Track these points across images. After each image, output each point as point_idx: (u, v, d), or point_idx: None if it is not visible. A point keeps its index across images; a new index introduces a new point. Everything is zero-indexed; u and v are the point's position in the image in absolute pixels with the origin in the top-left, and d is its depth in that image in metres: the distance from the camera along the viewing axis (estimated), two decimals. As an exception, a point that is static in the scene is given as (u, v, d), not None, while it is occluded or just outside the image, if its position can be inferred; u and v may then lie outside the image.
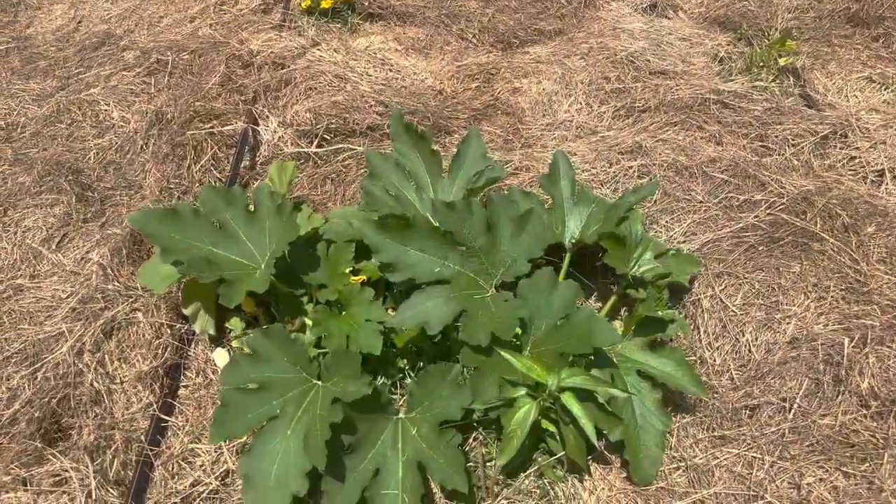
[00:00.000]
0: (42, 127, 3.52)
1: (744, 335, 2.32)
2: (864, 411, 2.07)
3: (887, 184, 2.86)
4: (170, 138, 3.15)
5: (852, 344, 2.18)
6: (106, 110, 3.54)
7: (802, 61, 3.70)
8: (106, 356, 2.33)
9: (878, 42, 3.90)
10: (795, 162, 2.97)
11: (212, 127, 3.20)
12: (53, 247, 2.82)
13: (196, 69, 3.73)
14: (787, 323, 2.31)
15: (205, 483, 2.06)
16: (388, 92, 3.39)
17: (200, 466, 2.10)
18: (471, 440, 2.12)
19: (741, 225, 2.62)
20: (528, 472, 2.03)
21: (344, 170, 3.01)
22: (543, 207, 2.44)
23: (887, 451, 1.98)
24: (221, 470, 2.09)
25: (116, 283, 2.55)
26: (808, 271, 2.44)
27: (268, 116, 3.26)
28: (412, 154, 2.40)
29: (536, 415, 1.82)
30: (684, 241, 2.63)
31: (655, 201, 2.76)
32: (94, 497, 1.97)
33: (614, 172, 2.92)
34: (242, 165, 3.07)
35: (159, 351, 2.34)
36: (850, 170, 2.97)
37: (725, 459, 2.04)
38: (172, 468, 2.09)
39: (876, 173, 2.92)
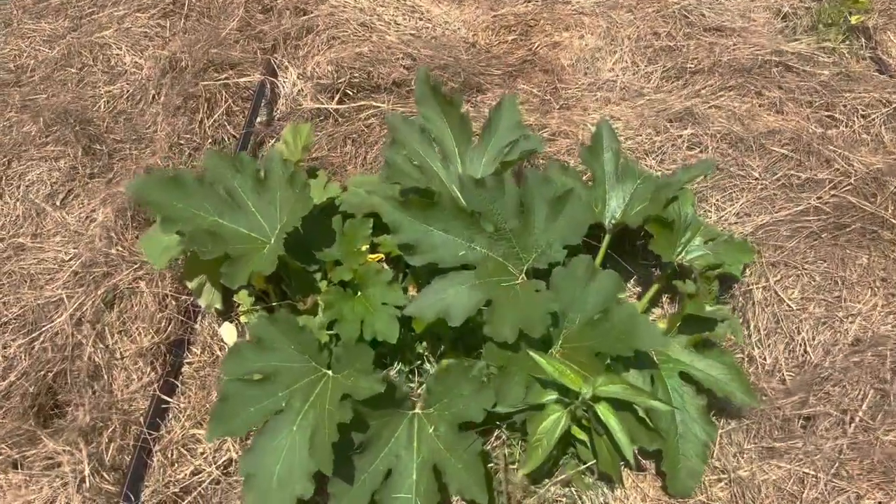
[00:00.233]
0: (52, 71, 3.33)
1: (799, 333, 2.09)
2: (934, 428, 1.85)
3: (968, 164, 2.57)
4: (182, 89, 2.94)
5: (924, 351, 1.95)
6: (118, 55, 3.32)
7: (875, 20, 3.33)
8: (106, 328, 2.18)
9: (962, -1, 3.51)
10: (865, 136, 2.67)
11: (227, 78, 2.98)
12: (58, 203, 2.66)
13: (213, 12, 3.49)
14: (851, 322, 2.07)
15: (206, 472, 1.93)
16: (416, 43, 3.12)
17: (202, 454, 1.96)
18: (492, 439, 1.95)
19: (802, 207, 2.36)
20: (554, 478, 1.85)
21: (366, 129, 2.79)
22: (584, 185, 2.21)
23: (959, 475, 1.77)
24: (224, 459, 1.95)
25: (120, 248, 2.39)
26: (877, 264, 2.18)
27: (287, 67, 3.03)
28: (439, 119, 2.16)
29: (567, 424, 1.63)
30: (736, 223, 2.38)
31: (706, 176, 2.50)
32: (87, 484, 1.84)
33: (661, 142, 2.65)
34: (258, 121, 2.86)
35: (162, 324, 2.19)
36: (926, 146, 2.67)
37: (773, 474, 1.84)
38: (172, 455, 1.95)
39: (956, 151, 2.62)
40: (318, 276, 2.14)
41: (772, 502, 1.80)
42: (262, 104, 2.92)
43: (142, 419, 2.00)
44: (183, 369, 2.17)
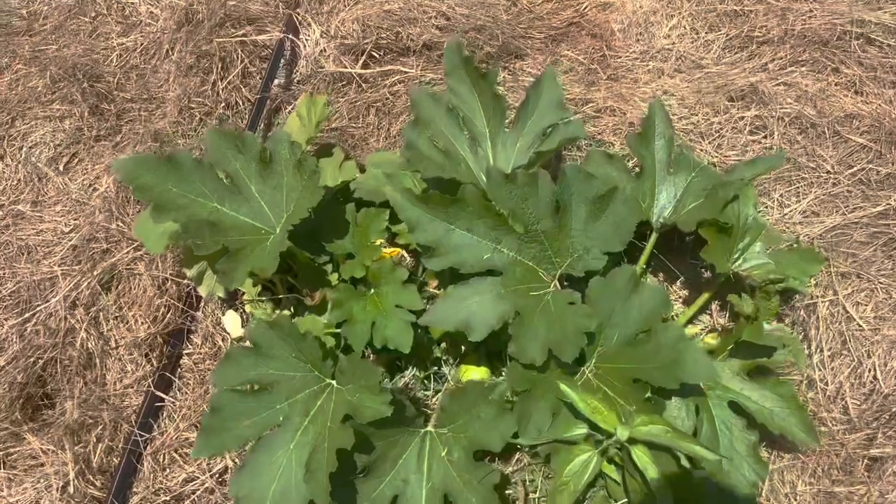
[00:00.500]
0: (65, 19, 3.11)
1: (869, 357, 1.84)
2: None
3: None
4: (196, 46, 2.71)
5: None
6: (133, 4, 3.09)
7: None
8: (101, 314, 2.02)
9: None
10: (957, 124, 2.34)
11: (244, 34, 2.74)
12: (60, 168, 2.49)
13: (235, -41, 3.22)
14: (931, 349, 1.81)
15: (199, 480, 1.78)
16: (451, 0, 2.83)
17: (195, 460, 1.81)
18: (513, 463, 1.76)
19: (881, 208, 2.07)
20: (579, 513, 1.66)
21: (392, 98, 2.54)
22: (629, 175, 1.95)
23: None
24: (219, 467, 1.80)
25: (120, 224, 2.22)
26: (965, 281, 1.90)
27: (310, 24, 2.77)
28: (469, 96, 1.91)
29: (598, 468, 1.42)
30: (802, 224, 2.10)
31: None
32: (72, 488, 1.71)
33: (719, 123, 2.36)
34: (275, 83, 2.63)
35: (160, 312, 2.02)
36: None
37: (830, 523, 1.63)
38: (163, 459, 1.80)
39: None
40: (328, 267, 1.94)
41: (826, 556, 1.59)
42: (281, 65, 2.69)
43: (133, 418, 1.85)
44: (182, 361, 2.01)
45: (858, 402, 1.81)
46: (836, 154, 2.22)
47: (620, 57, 2.68)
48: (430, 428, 1.67)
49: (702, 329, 1.98)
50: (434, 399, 1.90)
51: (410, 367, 1.93)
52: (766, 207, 2.15)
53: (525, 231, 1.69)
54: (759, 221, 1.87)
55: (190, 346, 2.03)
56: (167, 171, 1.72)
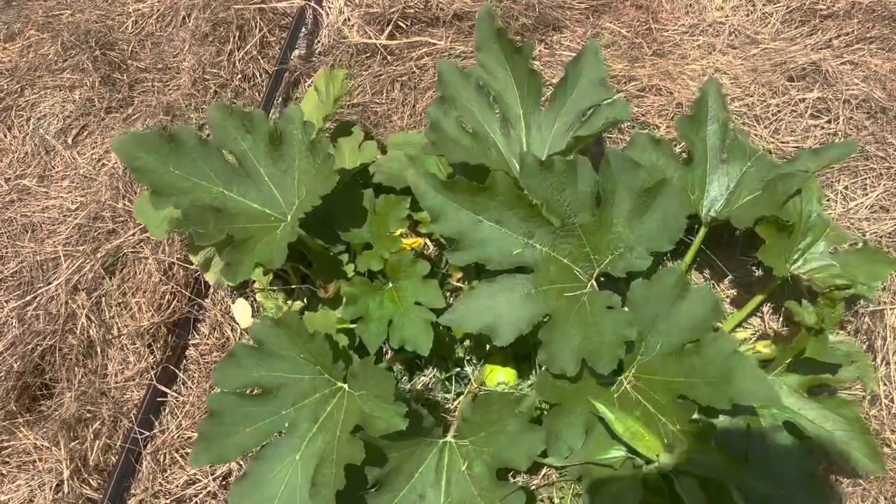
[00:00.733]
0: (81, -19, 2.98)
1: (942, 373, 1.64)
2: None
3: None
4: (213, 13, 2.55)
5: None
6: (151, -33, 2.94)
7: None
8: (103, 299, 1.90)
9: None
10: None
11: (263, 1, 2.57)
12: (69, 141, 2.37)
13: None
14: None
15: (202, 484, 1.66)
16: (485, -34, 2.63)
17: (198, 462, 1.68)
18: (539, 477, 1.60)
19: (958, 205, 1.86)
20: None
21: (418, 71, 2.36)
22: (678, 162, 1.76)
23: None
24: (223, 470, 1.68)
25: (127, 203, 2.09)
26: None
27: (333, -10, 2.60)
28: (501, 72, 1.72)
29: (638, 499, 1.26)
30: (869, 220, 1.89)
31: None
32: (66, 488, 1.60)
33: (777, 106, 2.14)
34: (295, 55, 2.46)
35: (166, 299, 1.89)
36: None
37: (895, 561, 1.45)
38: (164, 460, 1.69)
39: None
40: (344, 257, 1.79)
41: None
42: (302, 35, 2.52)
43: (134, 413, 1.73)
44: (187, 353, 1.88)
45: (928, 423, 1.62)
46: (908, 142, 2.00)
47: (668, 30, 2.46)
48: (450, 438, 1.53)
49: (752, 334, 1.80)
50: (455, 402, 1.75)
51: (431, 367, 1.78)
52: (829, 201, 1.95)
53: (561, 224, 1.51)
54: (823, 218, 1.67)
55: (196, 337, 1.91)
56: (169, 151, 1.57)
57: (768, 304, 1.85)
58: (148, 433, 1.70)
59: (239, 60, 2.45)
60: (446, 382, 1.77)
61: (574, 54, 1.71)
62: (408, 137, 1.93)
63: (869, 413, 1.66)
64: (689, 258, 1.76)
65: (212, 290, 1.98)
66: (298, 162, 1.61)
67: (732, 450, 1.37)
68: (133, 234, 2.01)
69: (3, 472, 1.66)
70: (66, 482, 1.60)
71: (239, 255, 1.48)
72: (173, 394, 1.78)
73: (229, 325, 1.93)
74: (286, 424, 1.45)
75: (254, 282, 1.92)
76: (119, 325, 1.87)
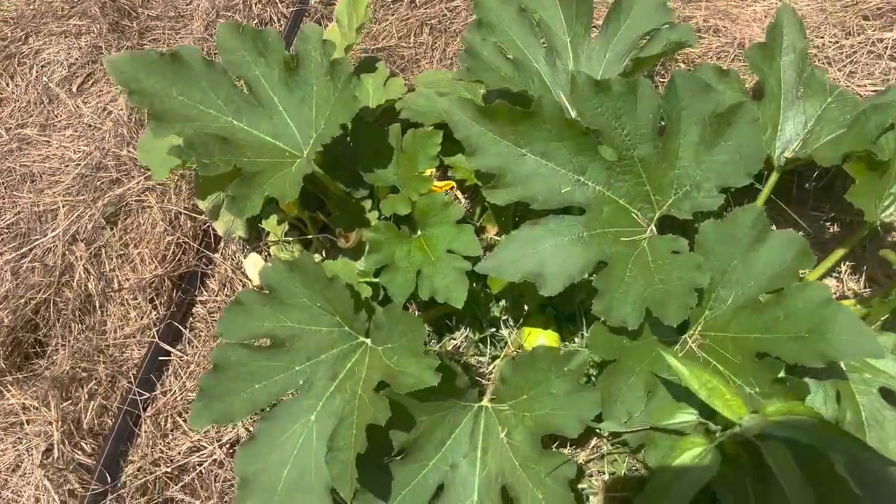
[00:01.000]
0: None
1: None
2: None
3: None
4: (228, -45, 2.37)
5: None
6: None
7: None
8: (103, 250, 1.73)
9: None
10: None
11: (282, -58, 2.39)
12: (73, 90, 2.20)
13: None
14: None
15: (207, 451, 1.48)
16: None
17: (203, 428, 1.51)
18: (588, 449, 1.40)
19: None
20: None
21: (449, 14, 2.16)
22: (749, 100, 1.54)
23: None
24: (230, 436, 1.50)
25: (132, 150, 1.92)
26: None
27: (358, -69, 2.40)
28: (548, -6, 1.53)
29: (715, 467, 1.05)
30: (962, 169, 1.66)
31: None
32: (56, 453, 1.43)
33: (851, 47, 1.92)
34: (316, -3, 2.28)
35: (171, 251, 1.72)
36: None
37: None
38: (165, 424, 1.51)
39: None
40: (367, 204, 1.60)
41: None
42: (323, -24, 2.33)
43: (133, 373, 1.56)
44: (194, 310, 1.71)
45: None
46: None
47: (724, -30, 2.23)
48: (486, 402, 1.34)
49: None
50: (491, 367, 1.56)
51: (463, 328, 1.59)
52: (914, 148, 1.72)
53: (617, 159, 1.31)
54: (918, 159, 1.44)
55: (204, 293, 1.73)
56: (172, 73, 1.39)
57: (846, 264, 1.63)
58: (148, 394, 1.53)
59: (255, 3, 2.27)
60: (480, 345, 1.58)
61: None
62: (438, 76, 1.74)
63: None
64: (760, 206, 1.55)
65: (222, 243, 1.80)
66: (317, 88, 1.42)
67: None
68: (138, 183, 1.84)
69: (-11, 434, 1.50)
70: (56, 446, 1.44)
71: (248, 189, 1.30)
72: (177, 353, 1.61)
73: (240, 281, 1.75)
74: (300, 382, 1.27)
75: (267, 234, 1.74)
76: (120, 277, 1.70)
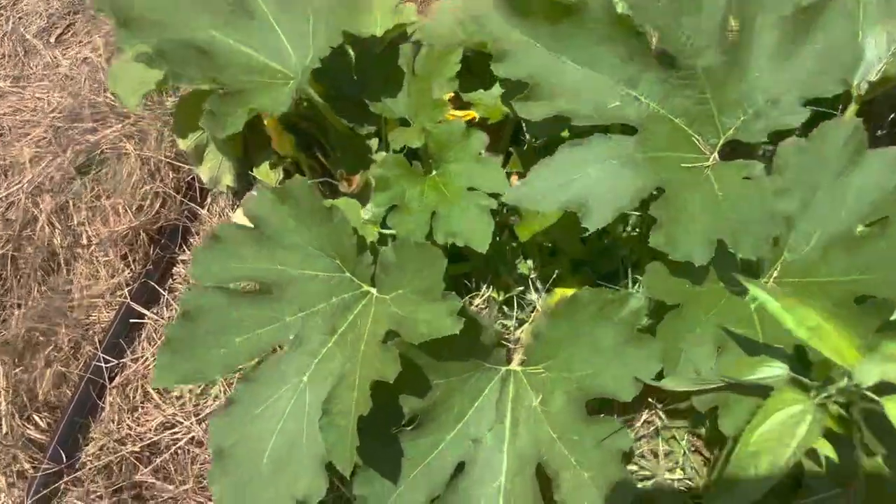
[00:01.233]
0: None
1: None
2: None
3: None
4: None
5: None
6: None
7: None
8: (71, 202, 1.52)
9: None
10: None
11: None
12: (51, 41, 2.00)
13: None
14: None
15: (182, 427, 1.25)
16: None
17: (178, 399, 1.28)
18: (638, 424, 1.17)
19: None
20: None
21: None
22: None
23: None
24: (212, 408, 1.27)
25: (109, 97, 1.71)
26: None
27: None
28: None
29: (818, 430, 0.82)
30: None
31: None
32: (4, 428, 1.21)
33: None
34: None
35: (148, 201, 1.50)
36: None
37: None
38: (134, 396, 1.29)
39: None
40: (374, 143, 1.38)
41: None
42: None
43: (99, 338, 1.33)
44: (175, 269, 1.49)
45: None
46: None
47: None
48: (515, 366, 1.11)
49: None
50: (518, 332, 1.32)
51: (485, 286, 1.35)
52: None
53: (678, 68, 1.08)
54: None
55: (187, 251, 1.51)
56: (145, -26, 1.18)
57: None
58: (116, 361, 1.30)
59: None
60: (504, 307, 1.34)
61: None
62: (457, 2, 1.52)
63: None
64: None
65: (209, 197, 1.58)
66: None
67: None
68: (114, 131, 1.62)
69: (-72, 406, 1.28)
70: (4, 419, 1.21)
71: (230, 107, 1.08)
72: (152, 316, 1.38)
73: (229, 239, 1.53)
74: (290, 336, 1.05)
75: (258, 182, 1.52)
76: (89, 232, 1.49)
